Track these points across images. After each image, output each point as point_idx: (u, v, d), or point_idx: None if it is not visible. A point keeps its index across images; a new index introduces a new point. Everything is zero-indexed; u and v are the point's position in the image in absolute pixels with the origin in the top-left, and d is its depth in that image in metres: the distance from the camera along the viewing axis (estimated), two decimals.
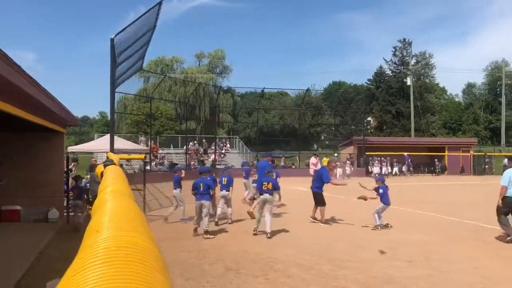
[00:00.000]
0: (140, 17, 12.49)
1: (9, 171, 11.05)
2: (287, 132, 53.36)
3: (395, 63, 60.81)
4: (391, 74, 61.30)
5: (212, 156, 31.24)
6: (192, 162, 28.99)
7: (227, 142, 39.07)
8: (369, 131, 55.87)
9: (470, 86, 70.50)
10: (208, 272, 6.57)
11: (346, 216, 11.85)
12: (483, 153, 39.03)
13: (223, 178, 11.41)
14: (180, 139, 35.73)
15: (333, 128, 47.36)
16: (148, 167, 23.49)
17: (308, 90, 45.97)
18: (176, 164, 28.53)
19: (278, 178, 12.61)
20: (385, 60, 61.86)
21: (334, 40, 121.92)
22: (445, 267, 6.87)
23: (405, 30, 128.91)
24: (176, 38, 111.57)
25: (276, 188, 9.81)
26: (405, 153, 33.78)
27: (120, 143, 21.53)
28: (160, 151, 32.11)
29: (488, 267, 6.93)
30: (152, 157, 27.33)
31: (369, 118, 59.96)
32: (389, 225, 10.34)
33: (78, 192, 11.47)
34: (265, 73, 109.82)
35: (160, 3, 13.13)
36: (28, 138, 11.38)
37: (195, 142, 35.87)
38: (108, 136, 17.70)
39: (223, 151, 35.03)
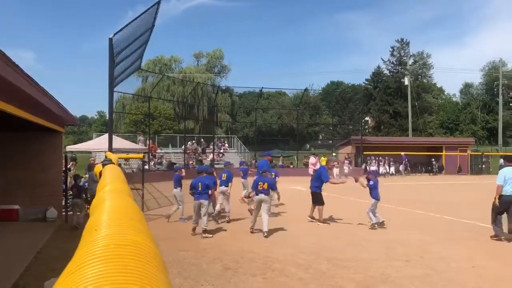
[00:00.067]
0: (138, 16, 12.47)
1: (8, 171, 11.06)
2: (285, 131, 53.37)
3: (392, 63, 60.97)
4: (388, 74, 61.42)
5: (211, 156, 31.24)
6: (190, 162, 28.97)
7: (226, 142, 39.06)
8: (367, 131, 55.91)
9: (467, 86, 70.56)
10: (207, 271, 6.58)
11: (344, 215, 11.87)
12: (480, 153, 39.16)
13: (223, 174, 11.47)
14: (178, 138, 35.71)
15: (331, 128, 47.34)
16: (146, 167, 23.50)
17: (306, 90, 46.00)
18: (175, 164, 28.56)
19: (277, 177, 12.64)
20: (382, 60, 62.08)
21: (333, 40, 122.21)
22: (442, 266, 6.89)
23: (403, 30, 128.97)
24: (175, 37, 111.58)
25: (272, 188, 9.82)
26: (402, 153, 33.85)
27: (119, 142, 21.48)
28: (159, 150, 32.09)
29: (486, 266, 6.96)
30: (150, 157, 27.30)
31: (366, 118, 60.05)
32: (384, 223, 10.39)
33: (77, 191, 11.47)
34: (263, 73, 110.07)
35: (158, 3, 13.10)
36: (26, 137, 11.37)
37: (194, 141, 35.85)
38: (106, 135, 17.67)
39: (221, 151, 35.01)
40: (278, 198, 13.08)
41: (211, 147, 33.36)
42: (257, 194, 9.60)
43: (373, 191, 10.43)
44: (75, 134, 69.65)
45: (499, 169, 9.70)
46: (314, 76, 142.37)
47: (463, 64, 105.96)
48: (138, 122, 40.93)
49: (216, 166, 22.17)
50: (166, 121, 44.52)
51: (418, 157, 36.20)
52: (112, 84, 12.64)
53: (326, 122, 51.56)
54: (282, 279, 6.25)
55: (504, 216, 8.92)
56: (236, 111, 60.20)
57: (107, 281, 0.75)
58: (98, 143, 22.84)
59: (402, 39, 60.00)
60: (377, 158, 33.59)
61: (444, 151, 37.13)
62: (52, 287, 0.83)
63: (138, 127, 40.13)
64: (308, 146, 50.69)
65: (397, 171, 34.34)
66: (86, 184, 13.43)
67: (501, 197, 8.81)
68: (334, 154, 32.97)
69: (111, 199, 1.72)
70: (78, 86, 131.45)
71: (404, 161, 34.45)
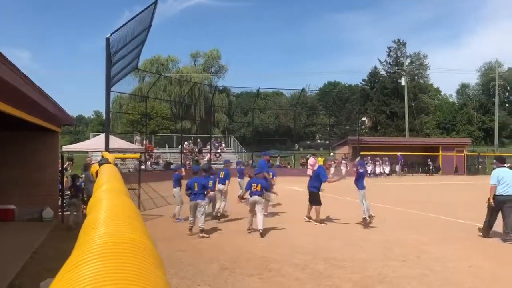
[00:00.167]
0: (135, 16, 12.45)
1: (4, 170, 11.02)
2: (282, 132, 53.40)
3: (389, 63, 61.14)
4: (385, 74, 61.56)
5: (207, 156, 31.20)
6: (187, 162, 28.94)
7: (223, 142, 39.05)
8: (363, 131, 56.06)
9: (464, 87, 70.84)
10: (204, 271, 6.57)
11: (341, 215, 11.89)
12: (476, 153, 39.28)
13: (221, 172, 11.52)
14: (175, 138, 35.66)
15: (328, 128, 47.41)
16: (143, 167, 23.45)
17: (303, 90, 46.07)
18: (172, 164, 28.56)
19: (274, 177, 12.67)
20: (379, 60, 62.23)
21: (332, 40, 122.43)
22: (439, 266, 6.91)
23: (401, 30, 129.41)
24: (172, 37, 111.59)
25: (266, 189, 9.87)
26: (398, 153, 33.96)
27: (115, 142, 21.44)
28: (155, 150, 32.03)
29: (482, 266, 6.98)
30: (147, 157, 27.26)
31: (363, 118, 60.19)
32: (372, 217, 10.51)
33: (75, 191, 11.44)
34: (263, 73, 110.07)
35: (155, 3, 13.09)
36: (22, 137, 11.33)
37: (190, 141, 35.82)
38: (103, 135, 17.64)
39: (218, 151, 34.99)
40: (275, 194, 13.13)
41: (208, 147, 33.34)
42: (251, 196, 9.68)
43: (360, 181, 10.73)
44: (71, 134, 69.48)
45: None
46: (313, 76, 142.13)
47: (459, 65, 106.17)
48: (135, 122, 40.85)
49: (212, 165, 22.15)
50: (163, 121, 44.46)
51: (414, 157, 36.31)
52: (109, 83, 12.61)
53: (323, 122, 51.68)
54: (279, 279, 6.25)
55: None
56: (233, 111, 60.24)
57: (105, 278, 0.75)
58: (94, 143, 22.80)
59: (398, 40, 60.26)
60: (374, 159, 33.65)
61: (440, 151, 37.26)
62: (48, 287, 0.82)
63: (135, 127, 40.05)
64: (297, 146, 50.43)
65: (393, 171, 34.42)
66: (82, 184, 13.39)
67: (495, 197, 9.02)
68: (331, 153, 33.02)
69: (108, 198, 1.71)
70: (74, 85, 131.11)
71: (400, 161, 34.55)
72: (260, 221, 9.37)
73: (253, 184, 9.64)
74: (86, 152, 26.00)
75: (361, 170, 11.01)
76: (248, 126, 47.86)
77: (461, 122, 61.49)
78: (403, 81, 53.22)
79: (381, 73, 62.15)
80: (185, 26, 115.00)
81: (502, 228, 8.95)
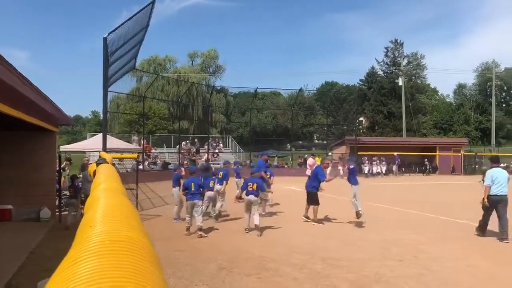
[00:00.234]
0: (133, 16, 12.42)
1: (1, 170, 10.98)
2: (280, 132, 53.40)
3: (387, 63, 61.26)
4: (383, 74, 61.68)
5: (205, 156, 31.19)
6: (185, 162, 28.91)
7: (220, 142, 39.04)
8: (361, 131, 56.06)
9: (461, 87, 70.96)
10: (201, 271, 6.57)
11: (339, 215, 11.90)
12: (473, 153, 39.40)
13: (219, 172, 11.54)
14: (173, 138, 35.62)
15: (325, 128, 47.45)
16: (140, 167, 23.40)
17: (300, 90, 46.08)
18: (169, 164, 28.54)
19: (271, 177, 12.69)
20: (377, 60, 62.34)
21: (332, 40, 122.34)
22: (436, 266, 6.93)
23: (399, 30, 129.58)
24: (169, 37, 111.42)
25: (261, 189, 9.91)
26: (395, 153, 34.02)
27: (113, 142, 21.38)
28: (153, 150, 31.99)
29: (479, 266, 7.01)
30: (145, 157, 27.22)
31: (361, 118, 60.20)
32: (360, 212, 10.62)
33: (74, 192, 11.41)
34: (262, 73, 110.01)
35: (153, 3, 13.05)
36: (20, 137, 11.30)
37: (188, 141, 35.80)
38: (100, 135, 17.58)
39: (216, 151, 34.98)
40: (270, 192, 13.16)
41: (206, 147, 33.33)
42: (247, 195, 9.76)
43: (353, 178, 10.87)
44: (69, 134, 69.28)
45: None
46: (313, 76, 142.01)
47: (456, 65, 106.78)
48: (133, 122, 40.76)
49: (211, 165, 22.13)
50: (161, 121, 44.41)
51: (412, 157, 36.39)
52: (107, 83, 12.59)
53: (320, 123, 51.64)
54: (277, 278, 6.26)
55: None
56: (230, 111, 60.18)
57: (101, 276, 0.75)
58: (92, 143, 22.72)
59: (396, 40, 60.39)
60: (371, 159, 33.69)
61: (438, 151, 37.33)
62: (45, 286, 0.82)
63: (133, 127, 39.96)
64: (289, 146, 50.26)
65: (390, 171, 34.47)
66: (80, 184, 13.36)
67: (489, 197, 9.14)
68: (330, 153, 33.03)
69: (105, 197, 1.71)
70: (72, 85, 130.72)
71: (397, 161, 34.63)
72: (256, 218, 9.48)
73: (249, 184, 9.72)
74: (84, 152, 25.94)
75: (351, 166, 11.16)
76: (246, 126, 47.84)
77: (458, 122, 61.60)
78: (400, 81, 53.30)
79: (378, 73, 62.28)
80: (183, 26, 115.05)
81: (498, 227, 9.00)
